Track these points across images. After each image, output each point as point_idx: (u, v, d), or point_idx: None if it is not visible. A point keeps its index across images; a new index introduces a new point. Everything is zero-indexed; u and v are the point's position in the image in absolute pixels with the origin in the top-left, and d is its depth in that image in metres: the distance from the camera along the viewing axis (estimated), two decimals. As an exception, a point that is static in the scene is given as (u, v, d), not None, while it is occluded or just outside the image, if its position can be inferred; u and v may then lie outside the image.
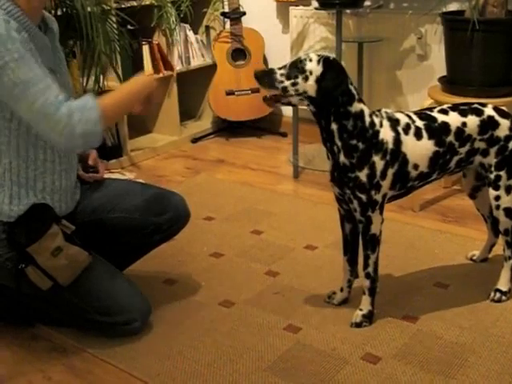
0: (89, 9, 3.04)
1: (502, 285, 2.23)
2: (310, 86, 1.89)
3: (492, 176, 2.11)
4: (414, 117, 2.04)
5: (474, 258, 2.50)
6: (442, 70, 3.16)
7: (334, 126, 1.93)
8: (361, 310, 2.11)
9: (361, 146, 1.94)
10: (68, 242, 1.96)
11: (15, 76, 1.77)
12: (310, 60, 1.90)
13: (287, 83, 1.90)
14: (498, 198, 2.13)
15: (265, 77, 1.93)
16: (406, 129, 2.00)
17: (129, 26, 3.64)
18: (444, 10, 3.34)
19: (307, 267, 2.53)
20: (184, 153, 4.08)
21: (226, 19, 4.32)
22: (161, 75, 3.96)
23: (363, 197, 1.97)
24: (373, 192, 1.97)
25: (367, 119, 1.95)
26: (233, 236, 2.83)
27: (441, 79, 3.07)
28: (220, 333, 2.11)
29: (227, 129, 4.42)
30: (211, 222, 2.99)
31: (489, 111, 2.09)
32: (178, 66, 4.16)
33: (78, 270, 1.99)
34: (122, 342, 2.06)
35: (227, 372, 1.92)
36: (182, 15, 4.01)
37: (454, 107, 2.09)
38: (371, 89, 3.95)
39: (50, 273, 1.94)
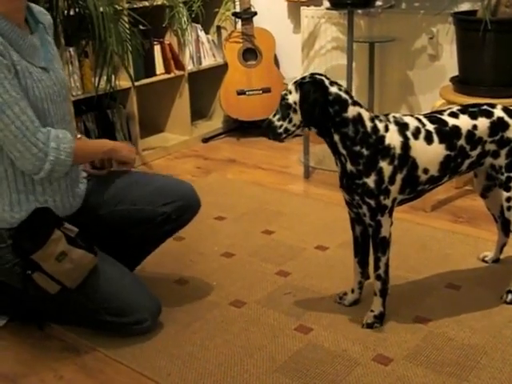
0: (101, 9, 3.04)
1: None
2: (300, 116, 1.93)
3: (503, 177, 2.10)
4: (425, 120, 2.03)
5: (486, 258, 2.48)
6: (453, 70, 3.15)
7: (336, 137, 1.94)
8: (372, 311, 2.11)
9: (365, 152, 1.93)
10: (72, 246, 1.96)
11: None
12: (290, 92, 1.93)
13: (285, 124, 1.94)
14: (509, 199, 2.11)
15: (268, 130, 1.97)
16: (416, 133, 1.98)
17: (141, 26, 3.65)
18: (456, 9, 3.33)
19: (318, 267, 2.53)
20: (195, 152, 4.08)
21: (237, 19, 4.33)
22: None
23: (372, 202, 1.97)
24: (382, 197, 1.96)
25: (368, 124, 1.93)
26: (244, 236, 2.83)
27: (452, 79, 3.06)
28: (231, 333, 2.12)
29: (238, 129, 4.43)
30: (222, 221, 3.00)
31: (498, 112, 2.07)
32: (190, 66, 4.17)
33: (85, 272, 2.00)
34: (134, 342, 2.07)
35: (238, 372, 1.92)
36: (193, 15, 4.00)
37: (464, 109, 2.07)
38: (382, 89, 3.94)
39: (57, 277, 1.95)
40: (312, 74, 1.94)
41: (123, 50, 3.27)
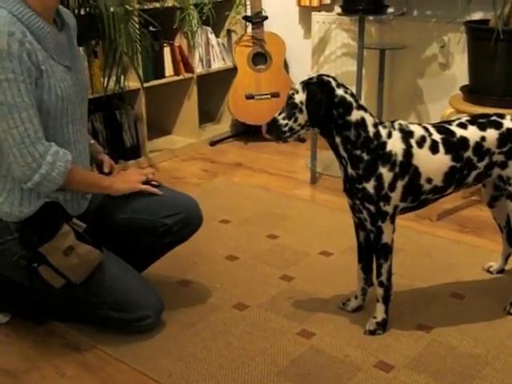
0: (112, 9, 3.06)
1: None
2: (305, 116, 1.93)
3: (511, 188, 2.09)
4: (432, 130, 2.01)
5: (491, 269, 2.47)
6: (463, 79, 3.14)
7: (337, 140, 1.94)
8: (375, 317, 2.10)
9: (365, 156, 1.93)
10: (79, 241, 1.97)
11: (4, 96, 1.80)
12: (297, 91, 1.93)
13: (290, 123, 1.94)
14: None
15: (271, 129, 1.97)
16: (421, 142, 1.97)
17: (151, 28, 3.67)
18: (468, 18, 3.33)
19: (322, 273, 2.52)
20: (202, 155, 4.09)
21: (247, 23, 4.34)
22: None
23: (371, 207, 1.96)
24: (381, 203, 1.96)
25: (371, 129, 1.93)
26: (248, 239, 2.83)
27: (463, 88, 3.05)
28: (233, 335, 2.11)
29: (246, 132, 4.43)
30: (227, 224, 2.99)
31: (508, 124, 2.05)
32: (199, 69, 4.18)
33: (90, 267, 2.00)
34: (136, 341, 2.07)
35: (239, 375, 1.92)
36: (203, 18, 4.02)
37: (473, 120, 2.05)
38: (392, 96, 3.93)
39: (63, 271, 1.95)
40: (319, 75, 1.94)
41: (133, 50, 3.28)
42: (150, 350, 2.04)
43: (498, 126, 2.04)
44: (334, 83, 1.92)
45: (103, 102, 3.38)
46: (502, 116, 2.08)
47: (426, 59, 3.75)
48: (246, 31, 4.38)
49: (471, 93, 2.99)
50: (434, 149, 1.97)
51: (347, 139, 1.93)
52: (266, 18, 4.24)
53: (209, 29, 4.21)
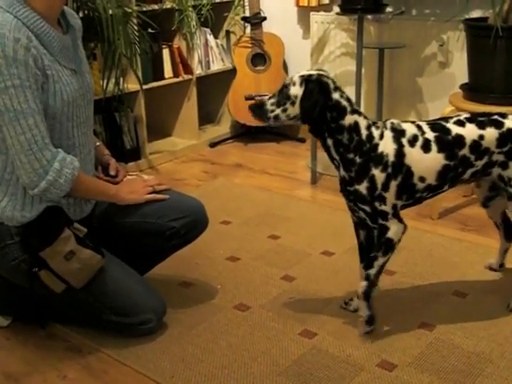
0: (110, 11, 3.05)
1: None
2: (297, 110, 1.91)
3: (511, 190, 2.06)
4: (426, 127, 1.99)
5: (493, 266, 2.46)
6: (463, 77, 3.13)
7: (329, 142, 1.94)
8: (361, 316, 2.07)
9: (358, 159, 1.92)
10: (80, 245, 1.96)
11: (10, 102, 1.79)
12: (294, 84, 1.91)
13: (278, 111, 1.92)
14: None
15: (256, 109, 1.95)
16: (413, 141, 1.95)
17: (149, 30, 3.66)
18: (467, 16, 3.32)
19: (324, 273, 2.52)
20: (202, 157, 4.08)
21: (246, 24, 4.33)
22: (183, 78, 3.96)
23: (367, 208, 1.96)
24: (377, 203, 1.94)
25: (364, 132, 1.92)
26: (250, 240, 2.82)
27: (462, 86, 3.05)
28: (235, 336, 2.11)
29: (246, 134, 4.43)
30: (228, 225, 2.99)
31: (509, 123, 2.01)
32: (198, 70, 4.17)
33: (91, 272, 1.99)
34: (138, 343, 2.06)
35: (241, 375, 1.91)
36: (202, 19, 4.02)
37: (473, 118, 2.02)
38: (392, 96, 3.93)
39: (63, 276, 1.95)
40: (320, 75, 1.92)
41: (132, 52, 3.28)
42: (152, 351, 2.03)
43: (498, 125, 2.01)
44: (331, 86, 1.91)
45: (102, 104, 3.38)
46: (504, 115, 2.05)
47: (426, 58, 3.75)
48: (244, 32, 4.38)
49: (471, 91, 2.98)
50: (426, 147, 1.95)
51: (339, 142, 1.93)
52: (265, 18, 4.24)
53: (207, 30, 4.21)
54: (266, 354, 2.01)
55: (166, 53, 3.95)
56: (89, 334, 2.12)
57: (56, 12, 1.94)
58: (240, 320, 2.20)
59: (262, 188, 3.48)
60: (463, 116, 2.05)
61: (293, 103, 1.91)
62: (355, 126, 1.91)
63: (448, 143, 1.97)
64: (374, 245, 2.04)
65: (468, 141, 1.98)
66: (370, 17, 3.77)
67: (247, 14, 4.30)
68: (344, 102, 1.91)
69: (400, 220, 2.00)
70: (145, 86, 3.69)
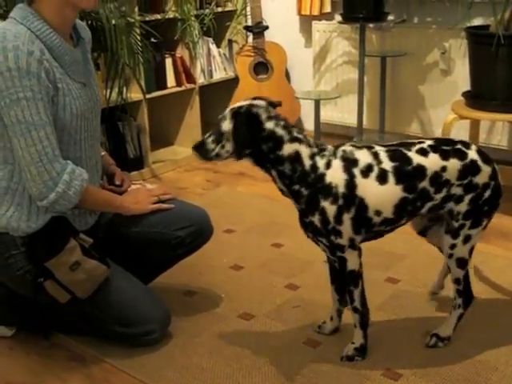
0: (113, 21, 3.07)
1: (443, 331, 2.06)
2: (231, 145, 1.81)
3: (456, 224, 1.91)
4: (383, 156, 1.85)
5: (435, 290, 2.36)
6: (465, 85, 3.14)
7: (273, 173, 1.85)
8: (353, 343, 2.01)
9: (304, 191, 1.82)
10: (86, 256, 1.96)
11: (22, 114, 1.80)
12: (225, 118, 1.82)
13: (217, 149, 1.83)
14: (453, 246, 1.94)
15: (199, 149, 1.85)
16: (366, 171, 1.82)
17: (152, 39, 3.68)
18: (468, 24, 3.33)
19: (327, 281, 2.50)
20: (205, 165, 4.08)
21: (248, 33, 4.35)
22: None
23: (324, 240, 1.87)
24: (332, 237, 1.85)
25: (307, 162, 1.81)
26: (253, 249, 2.82)
27: (465, 94, 3.06)
28: (239, 345, 2.10)
29: (248, 142, 4.42)
30: (231, 234, 2.99)
31: (472, 155, 1.88)
32: (201, 79, 4.19)
33: (96, 283, 1.99)
34: (141, 353, 2.06)
35: (246, 385, 1.91)
36: (205, 29, 4.03)
37: (436, 147, 1.87)
38: (394, 104, 3.93)
39: (68, 287, 1.95)
40: (250, 105, 1.82)
41: (135, 62, 3.29)
42: (156, 361, 2.03)
43: (462, 156, 1.87)
44: (263, 116, 1.80)
45: (106, 113, 3.38)
46: (467, 145, 1.91)
47: (428, 66, 3.76)
48: (246, 41, 4.40)
49: (473, 98, 2.99)
50: (382, 178, 1.82)
51: (283, 174, 1.82)
52: (267, 27, 4.26)
53: (210, 39, 4.23)
54: (270, 363, 2.00)
55: (168, 62, 3.96)
56: (92, 343, 2.11)
57: (68, 25, 1.95)
58: (244, 329, 2.20)
59: (265, 196, 3.48)
60: (427, 143, 1.89)
61: (227, 139, 1.81)
62: (296, 156, 1.80)
63: (407, 174, 1.83)
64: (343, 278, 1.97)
65: (429, 172, 1.84)
66: (371, 25, 3.79)
67: (249, 23, 4.32)
68: (280, 131, 1.79)
69: (355, 248, 1.91)
70: (148, 96, 3.71)
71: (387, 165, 1.84)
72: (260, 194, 3.52)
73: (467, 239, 1.94)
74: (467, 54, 3.06)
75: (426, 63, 3.75)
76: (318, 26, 4.15)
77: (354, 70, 3.94)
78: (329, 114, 4.20)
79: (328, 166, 1.82)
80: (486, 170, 1.89)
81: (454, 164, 1.85)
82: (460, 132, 3.43)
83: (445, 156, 1.86)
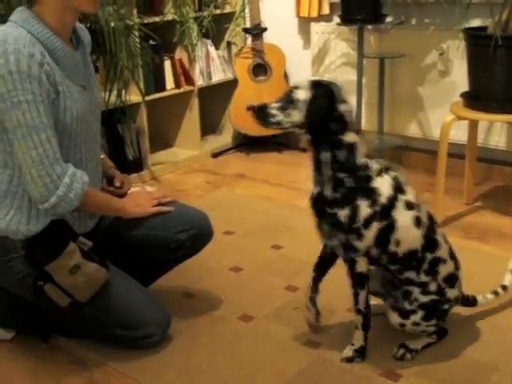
0: (112, 24, 3.07)
1: (413, 343, 2.05)
2: (301, 115, 1.80)
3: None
4: (423, 209, 1.93)
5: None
6: (463, 86, 3.14)
7: (325, 155, 1.82)
8: (353, 344, 2.02)
9: (347, 182, 1.82)
10: (85, 259, 1.96)
11: (23, 117, 1.80)
12: (301, 88, 1.80)
13: (281, 116, 1.82)
14: None
15: (258, 112, 1.85)
16: (408, 207, 1.88)
17: (151, 41, 3.69)
18: (466, 25, 3.33)
19: (327, 283, 2.50)
20: (204, 167, 4.09)
21: (247, 35, 4.35)
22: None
23: (340, 237, 1.87)
24: (351, 236, 1.85)
25: (361, 158, 1.83)
26: (252, 251, 2.83)
27: (463, 95, 3.06)
28: (239, 347, 2.10)
29: (248, 144, 4.43)
30: (231, 236, 2.99)
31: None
32: (200, 81, 4.19)
33: (96, 286, 1.99)
34: (142, 356, 2.06)
35: (246, 387, 1.91)
36: (203, 31, 4.03)
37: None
38: (392, 105, 3.93)
39: (68, 290, 1.95)
40: (331, 82, 1.83)
41: (134, 64, 3.30)
42: (156, 363, 2.03)
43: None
44: (341, 97, 1.81)
45: (105, 116, 3.39)
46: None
47: (426, 67, 3.76)
48: (245, 43, 4.40)
49: (471, 99, 2.99)
50: (417, 221, 1.89)
51: (335, 158, 1.82)
52: (266, 29, 4.26)
53: (209, 41, 4.23)
54: (270, 365, 2.00)
55: (167, 64, 3.97)
56: (93, 346, 2.12)
57: (69, 28, 1.95)
58: (244, 331, 2.20)
59: (265, 198, 3.48)
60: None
61: (298, 108, 1.80)
62: (353, 147, 1.81)
63: (430, 231, 1.94)
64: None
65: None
66: (370, 27, 3.79)
67: (248, 25, 4.31)
68: (349, 118, 1.81)
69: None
70: (147, 98, 3.71)
71: (423, 217, 1.92)
72: (259, 195, 3.52)
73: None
74: (465, 55, 3.06)
75: (425, 64, 3.76)
76: (317, 28, 4.15)
77: (352, 72, 3.94)
78: (328, 116, 4.19)
79: (379, 173, 1.85)
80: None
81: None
82: (458, 133, 3.44)
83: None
